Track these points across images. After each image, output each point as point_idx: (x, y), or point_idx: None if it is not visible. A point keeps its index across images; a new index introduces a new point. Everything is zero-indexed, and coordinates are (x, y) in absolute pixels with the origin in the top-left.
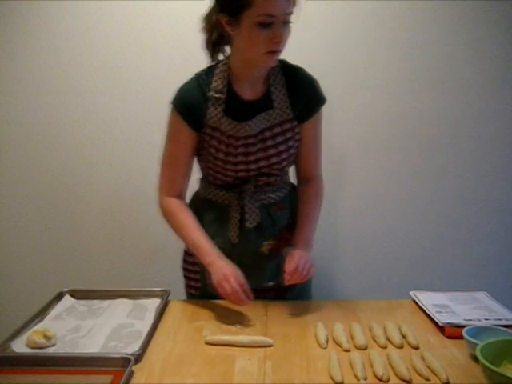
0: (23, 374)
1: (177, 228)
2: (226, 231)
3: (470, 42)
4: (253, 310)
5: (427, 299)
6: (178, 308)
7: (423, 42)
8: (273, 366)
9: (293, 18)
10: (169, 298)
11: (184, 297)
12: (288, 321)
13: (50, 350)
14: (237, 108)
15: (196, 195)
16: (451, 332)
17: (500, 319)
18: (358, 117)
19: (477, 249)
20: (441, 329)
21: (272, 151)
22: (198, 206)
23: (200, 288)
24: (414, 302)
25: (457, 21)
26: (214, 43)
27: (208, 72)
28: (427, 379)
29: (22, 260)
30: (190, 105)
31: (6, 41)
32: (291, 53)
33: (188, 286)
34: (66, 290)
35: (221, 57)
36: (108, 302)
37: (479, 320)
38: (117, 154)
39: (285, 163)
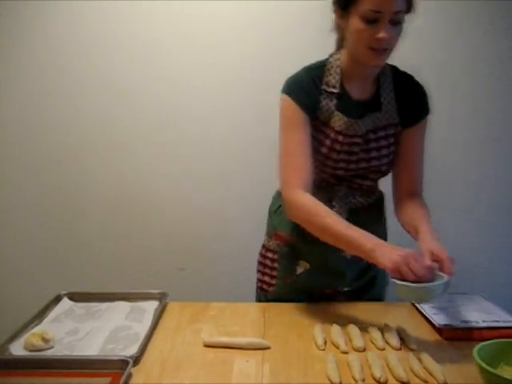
0: (21, 377)
1: (320, 228)
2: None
3: None
4: (251, 312)
5: None
6: (176, 310)
7: None
8: (271, 368)
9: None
10: (167, 300)
11: (181, 299)
12: (286, 323)
13: (48, 353)
14: (346, 106)
15: (279, 193)
16: (448, 334)
17: (497, 321)
18: None
19: (472, 251)
20: (438, 330)
21: (374, 154)
22: (282, 203)
23: (274, 285)
24: (412, 303)
25: None
26: (341, 41)
27: (319, 66)
28: (425, 381)
29: (20, 263)
30: (304, 91)
31: (1, 42)
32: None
33: (261, 281)
34: (64, 292)
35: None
36: (106, 304)
37: (477, 322)
38: (114, 158)
39: (383, 168)
